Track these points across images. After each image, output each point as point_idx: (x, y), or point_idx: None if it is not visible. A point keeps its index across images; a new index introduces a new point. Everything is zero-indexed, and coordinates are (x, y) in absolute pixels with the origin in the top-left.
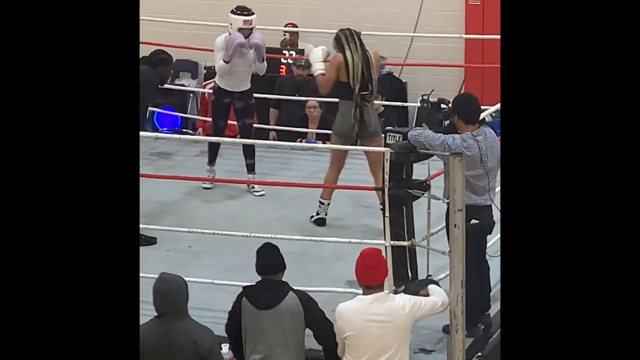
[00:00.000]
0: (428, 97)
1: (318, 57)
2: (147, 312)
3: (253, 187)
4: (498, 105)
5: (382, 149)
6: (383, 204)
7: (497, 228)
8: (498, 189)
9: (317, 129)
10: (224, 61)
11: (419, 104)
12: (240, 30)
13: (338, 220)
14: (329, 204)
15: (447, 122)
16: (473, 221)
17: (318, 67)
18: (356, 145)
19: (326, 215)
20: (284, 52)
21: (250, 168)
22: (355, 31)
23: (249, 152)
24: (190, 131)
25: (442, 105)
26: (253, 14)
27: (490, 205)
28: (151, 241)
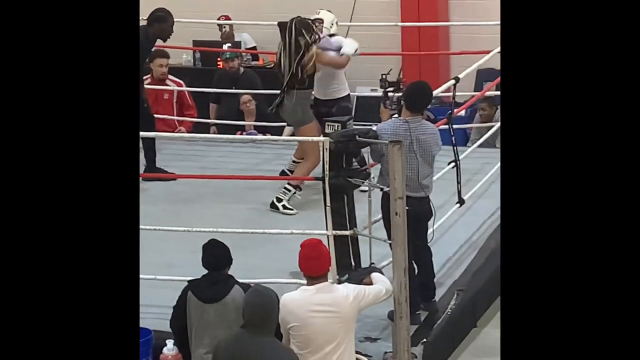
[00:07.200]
0: (385, 77)
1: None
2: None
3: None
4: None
5: (320, 138)
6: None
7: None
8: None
9: (255, 121)
10: None
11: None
12: None
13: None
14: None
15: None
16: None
17: None
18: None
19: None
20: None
21: None
22: (298, 21)
23: None
24: None
25: (401, 86)
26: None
27: (426, 197)
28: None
